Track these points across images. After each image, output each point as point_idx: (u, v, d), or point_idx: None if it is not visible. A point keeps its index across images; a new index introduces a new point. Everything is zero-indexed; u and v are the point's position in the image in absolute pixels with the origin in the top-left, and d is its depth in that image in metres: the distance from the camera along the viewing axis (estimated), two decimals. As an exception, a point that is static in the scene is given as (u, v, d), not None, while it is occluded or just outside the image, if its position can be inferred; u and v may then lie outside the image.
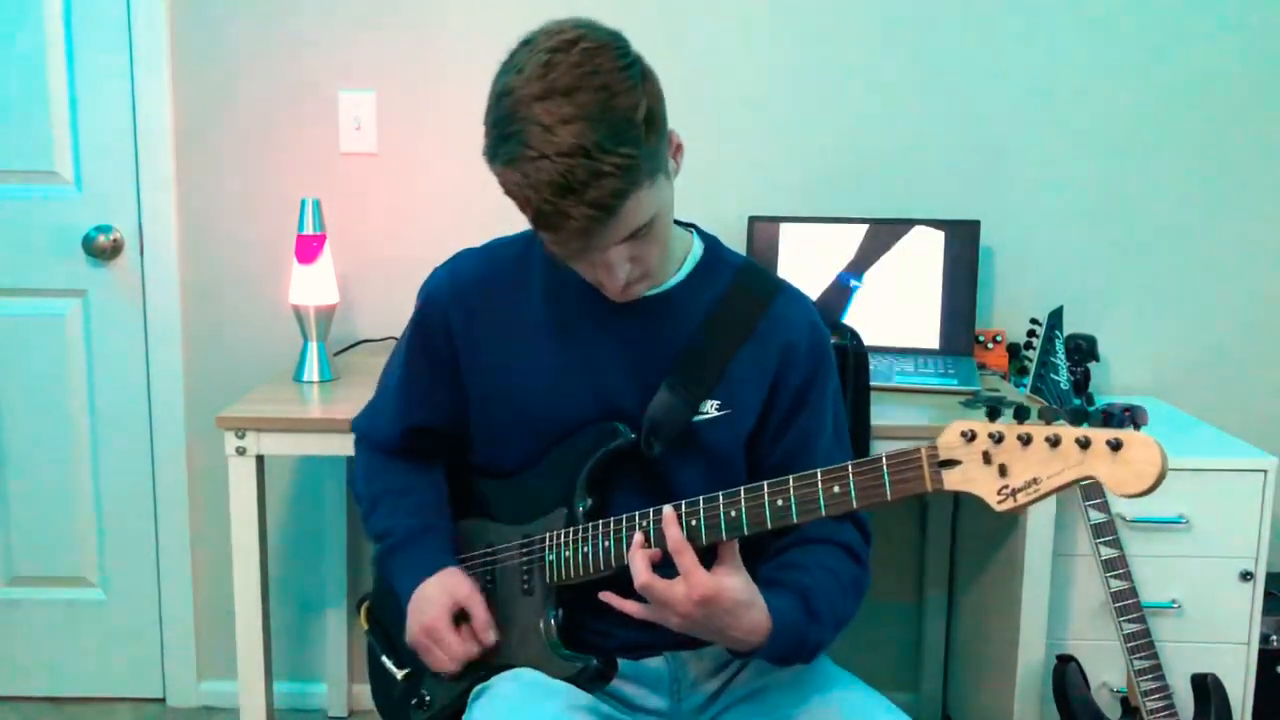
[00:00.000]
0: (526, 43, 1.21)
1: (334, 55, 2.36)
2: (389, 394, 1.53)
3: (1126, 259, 2.39)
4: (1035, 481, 1.04)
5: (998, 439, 1.06)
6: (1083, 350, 2.25)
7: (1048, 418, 1.10)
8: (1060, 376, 2.00)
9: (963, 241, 2.25)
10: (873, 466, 1.14)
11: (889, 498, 1.13)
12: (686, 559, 1.20)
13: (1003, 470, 1.05)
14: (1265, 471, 1.97)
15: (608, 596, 1.27)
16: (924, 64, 2.35)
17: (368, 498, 1.53)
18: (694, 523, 1.24)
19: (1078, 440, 1.01)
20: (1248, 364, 2.41)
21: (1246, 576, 2.00)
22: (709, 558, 1.22)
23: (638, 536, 1.25)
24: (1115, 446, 0.99)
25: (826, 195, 2.37)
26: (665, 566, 1.23)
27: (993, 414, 1.14)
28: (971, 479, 1.07)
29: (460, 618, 1.41)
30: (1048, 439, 1.03)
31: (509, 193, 1.21)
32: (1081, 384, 2.25)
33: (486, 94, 1.21)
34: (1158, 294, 2.40)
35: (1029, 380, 2.06)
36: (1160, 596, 1.99)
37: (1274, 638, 2.13)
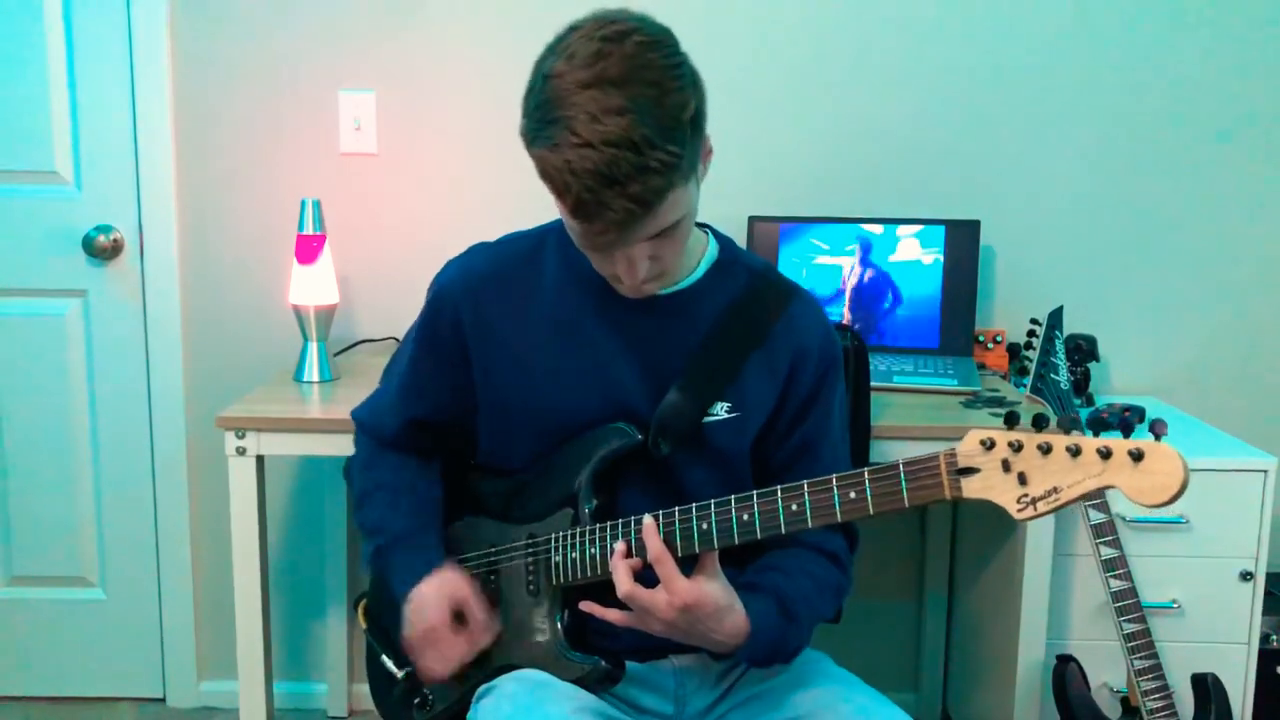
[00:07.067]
0: (575, 28, 1.18)
1: (334, 55, 2.36)
2: (393, 385, 1.52)
3: (1126, 259, 2.39)
4: (1055, 491, 1.03)
5: (1017, 447, 1.05)
6: (1083, 350, 2.26)
7: (1066, 426, 1.10)
8: (1060, 376, 1.99)
9: (963, 241, 2.25)
10: (890, 473, 1.14)
11: (906, 504, 1.13)
12: (667, 568, 1.22)
13: (1022, 478, 1.05)
14: (1265, 471, 1.98)
15: (588, 606, 1.29)
16: (924, 64, 2.35)
17: (361, 488, 1.52)
18: (705, 526, 1.24)
19: (1099, 450, 1.01)
20: (1248, 364, 2.42)
21: (1246, 576, 2.00)
22: (687, 566, 1.24)
23: (619, 546, 1.27)
24: (1137, 457, 0.99)
25: (826, 195, 2.37)
26: (649, 574, 1.24)
27: (1010, 421, 1.13)
28: (991, 487, 1.07)
29: (457, 621, 1.40)
30: (1069, 448, 1.02)
31: (547, 178, 1.18)
32: (1081, 384, 2.25)
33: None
34: (1158, 294, 2.40)
35: (1029, 380, 2.06)
36: (1160, 596, 2.00)
37: (1274, 638, 2.14)
